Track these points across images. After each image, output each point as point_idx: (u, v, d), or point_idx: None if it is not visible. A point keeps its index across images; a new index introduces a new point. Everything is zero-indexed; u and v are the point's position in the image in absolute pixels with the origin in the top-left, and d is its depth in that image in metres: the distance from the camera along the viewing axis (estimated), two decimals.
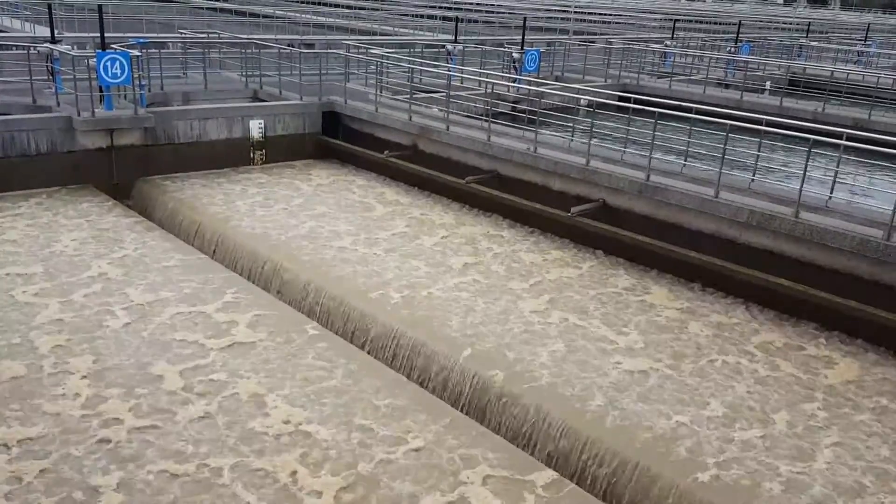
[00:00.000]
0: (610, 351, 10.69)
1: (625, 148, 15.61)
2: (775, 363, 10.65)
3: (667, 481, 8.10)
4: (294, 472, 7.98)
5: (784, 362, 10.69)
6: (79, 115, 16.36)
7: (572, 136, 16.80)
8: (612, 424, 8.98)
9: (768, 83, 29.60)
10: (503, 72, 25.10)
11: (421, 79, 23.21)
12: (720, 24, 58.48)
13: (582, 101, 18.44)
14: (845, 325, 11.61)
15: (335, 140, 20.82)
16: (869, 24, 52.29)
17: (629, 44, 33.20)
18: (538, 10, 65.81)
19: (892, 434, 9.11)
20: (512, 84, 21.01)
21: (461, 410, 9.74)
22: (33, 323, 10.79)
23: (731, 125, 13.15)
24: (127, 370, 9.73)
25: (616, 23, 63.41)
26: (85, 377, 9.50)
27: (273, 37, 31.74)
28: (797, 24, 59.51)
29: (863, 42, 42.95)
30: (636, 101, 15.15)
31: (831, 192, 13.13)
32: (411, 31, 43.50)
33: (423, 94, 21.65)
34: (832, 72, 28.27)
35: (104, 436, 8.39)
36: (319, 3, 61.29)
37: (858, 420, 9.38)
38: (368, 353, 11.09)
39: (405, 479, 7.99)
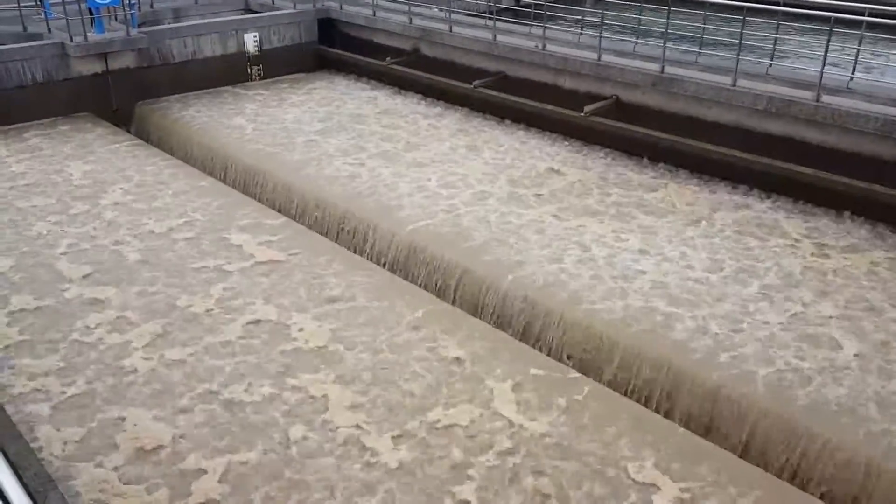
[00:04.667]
0: (632, 250, 10.61)
1: (637, 39, 15.07)
2: (801, 252, 10.57)
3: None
4: (325, 390, 8.07)
5: (811, 246, 10.62)
6: (71, 40, 15.85)
7: (581, 30, 16.20)
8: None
9: None
10: None
11: None
12: None
13: None
14: (869, 211, 11.44)
15: (333, 49, 20.21)
16: None
17: None
18: None
19: None
20: None
21: (480, 317, 9.77)
22: (54, 254, 10.77)
23: (748, 7, 12.60)
24: (152, 299, 9.74)
25: None
26: (111, 306, 9.53)
27: None
28: None
29: None
30: None
31: (853, 73, 12.72)
32: None
33: None
34: None
35: (132, 364, 8.47)
36: None
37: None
38: (385, 266, 11.07)
39: (434, 388, 8.09)
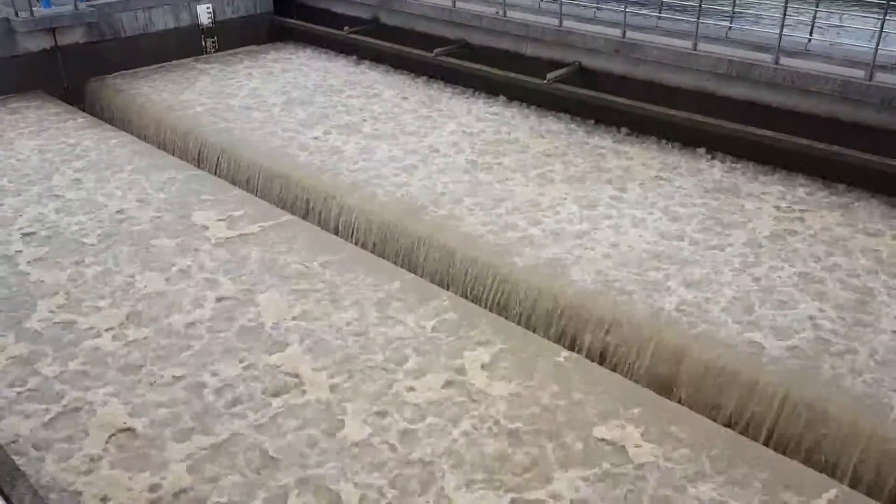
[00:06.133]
0: (596, 215, 10.66)
1: (598, 4, 15.01)
2: (763, 213, 10.72)
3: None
4: (296, 366, 8.01)
5: (771, 208, 10.78)
6: (17, 15, 15.29)
7: None
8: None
9: None
10: None
11: None
12: None
13: None
14: (827, 172, 11.61)
15: (290, 20, 19.80)
16: None
17: None
18: None
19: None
20: None
21: (447, 288, 9.77)
22: (9, 238, 10.46)
23: None
24: (113, 279, 9.53)
25: None
26: (71, 288, 9.30)
27: None
28: None
29: None
30: None
31: (810, 35, 12.84)
32: None
33: None
34: None
35: (96, 346, 8.30)
36: None
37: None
38: (351, 239, 10.98)
39: (406, 358, 8.09)
